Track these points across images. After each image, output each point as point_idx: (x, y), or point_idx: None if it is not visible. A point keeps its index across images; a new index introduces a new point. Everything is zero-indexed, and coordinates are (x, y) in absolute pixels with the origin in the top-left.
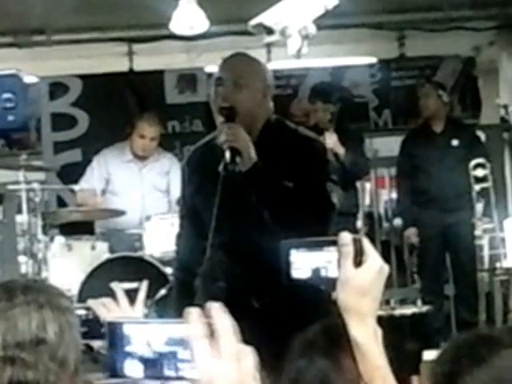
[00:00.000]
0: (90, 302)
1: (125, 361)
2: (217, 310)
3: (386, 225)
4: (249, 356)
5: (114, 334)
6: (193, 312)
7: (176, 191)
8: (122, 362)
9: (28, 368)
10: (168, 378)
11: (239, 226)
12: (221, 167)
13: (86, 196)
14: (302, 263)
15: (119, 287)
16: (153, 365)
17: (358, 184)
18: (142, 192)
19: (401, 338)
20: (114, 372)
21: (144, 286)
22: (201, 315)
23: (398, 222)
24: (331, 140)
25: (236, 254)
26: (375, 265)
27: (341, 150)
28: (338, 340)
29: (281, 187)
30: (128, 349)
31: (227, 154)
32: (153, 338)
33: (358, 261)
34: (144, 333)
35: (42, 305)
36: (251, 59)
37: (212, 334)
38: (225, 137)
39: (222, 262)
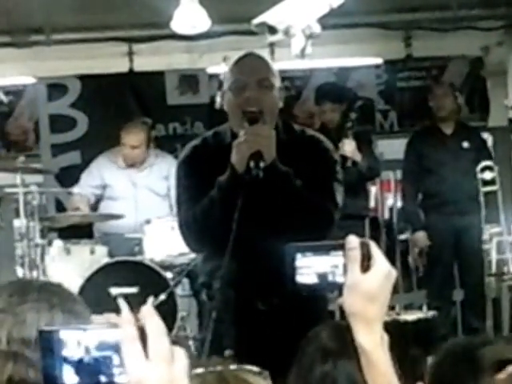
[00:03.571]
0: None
1: (62, 368)
2: (147, 311)
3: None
4: (181, 358)
5: (48, 341)
6: (124, 315)
7: None
8: (60, 370)
9: (30, 366)
10: None
11: (247, 228)
12: (243, 171)
13: (75, 201)
14: (308, 268)
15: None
16: (87, 371)
17: None
18: (136, 197)
19: (405, 344)
20: (53, 381)
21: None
22: (132, 318)
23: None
24: (350, 147)
25: (242, 256)
26: (383, 269)
27: (358, 157)
28: (348, 343)
29: (295, 185)
30: (64, 355)
31: (251, 162)
32: (87, 344)
33: (366, 265)
34: (79, 339)
35: (54, 305)
36: (263, 58)
37: (144, 336)
38: (244, 138)
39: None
